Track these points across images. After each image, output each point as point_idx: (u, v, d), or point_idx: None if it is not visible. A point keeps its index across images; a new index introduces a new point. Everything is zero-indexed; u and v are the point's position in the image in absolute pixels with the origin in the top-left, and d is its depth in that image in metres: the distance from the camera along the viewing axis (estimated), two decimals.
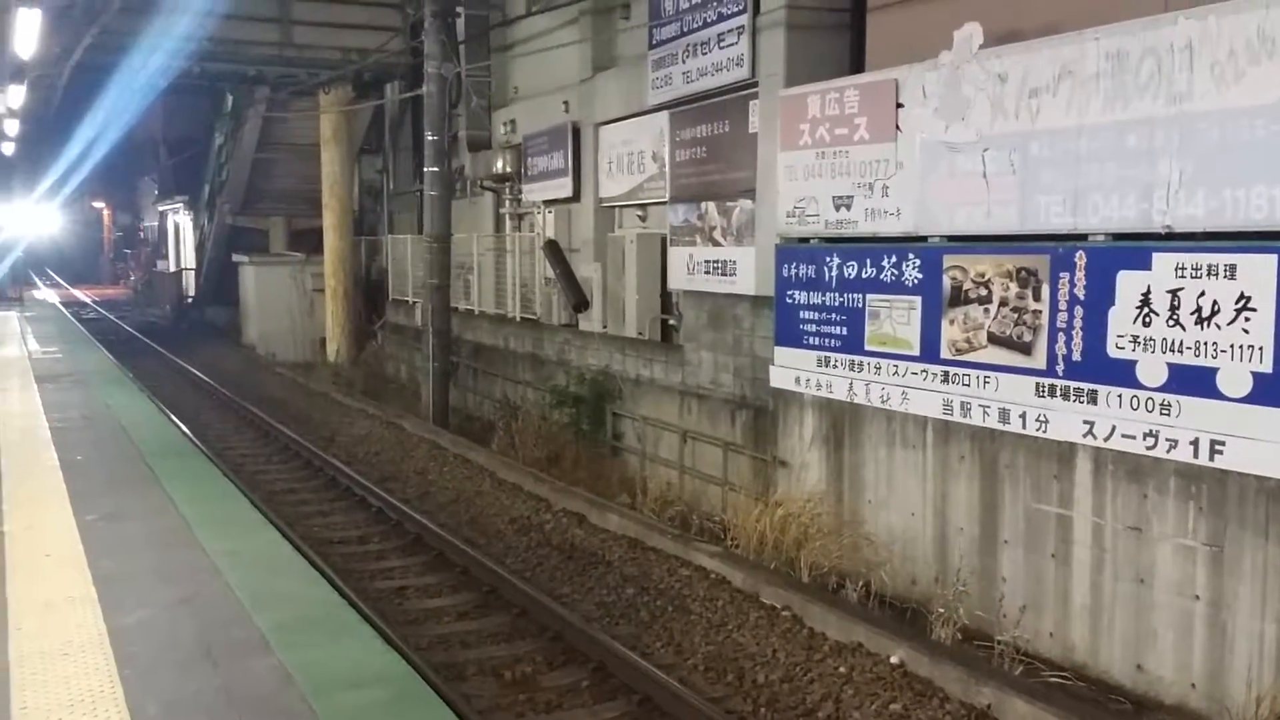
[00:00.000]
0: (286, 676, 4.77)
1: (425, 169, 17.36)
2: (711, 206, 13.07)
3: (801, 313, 10.53)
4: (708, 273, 12.93)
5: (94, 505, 7.72)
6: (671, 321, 14.64)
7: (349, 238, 25.29)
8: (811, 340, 10.42)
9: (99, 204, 63.93)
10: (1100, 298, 7.69)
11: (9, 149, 29.76)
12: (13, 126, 23.65)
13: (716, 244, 12.90)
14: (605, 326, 15.79)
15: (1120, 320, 7.55)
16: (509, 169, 19.24)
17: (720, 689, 7.36)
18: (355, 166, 26.90)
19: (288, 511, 11.84)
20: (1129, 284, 7.48)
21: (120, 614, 5.53)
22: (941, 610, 8.29)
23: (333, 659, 5.03)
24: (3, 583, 6.08)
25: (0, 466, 9.07)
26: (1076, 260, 7.88)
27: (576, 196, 17.05)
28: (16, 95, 18.47)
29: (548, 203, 18.20)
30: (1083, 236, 7.89)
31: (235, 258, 29.63)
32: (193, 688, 4.69)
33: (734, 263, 12.42)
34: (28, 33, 14.77)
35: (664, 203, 14.38)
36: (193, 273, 36.79)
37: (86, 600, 5.75)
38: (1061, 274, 7.98)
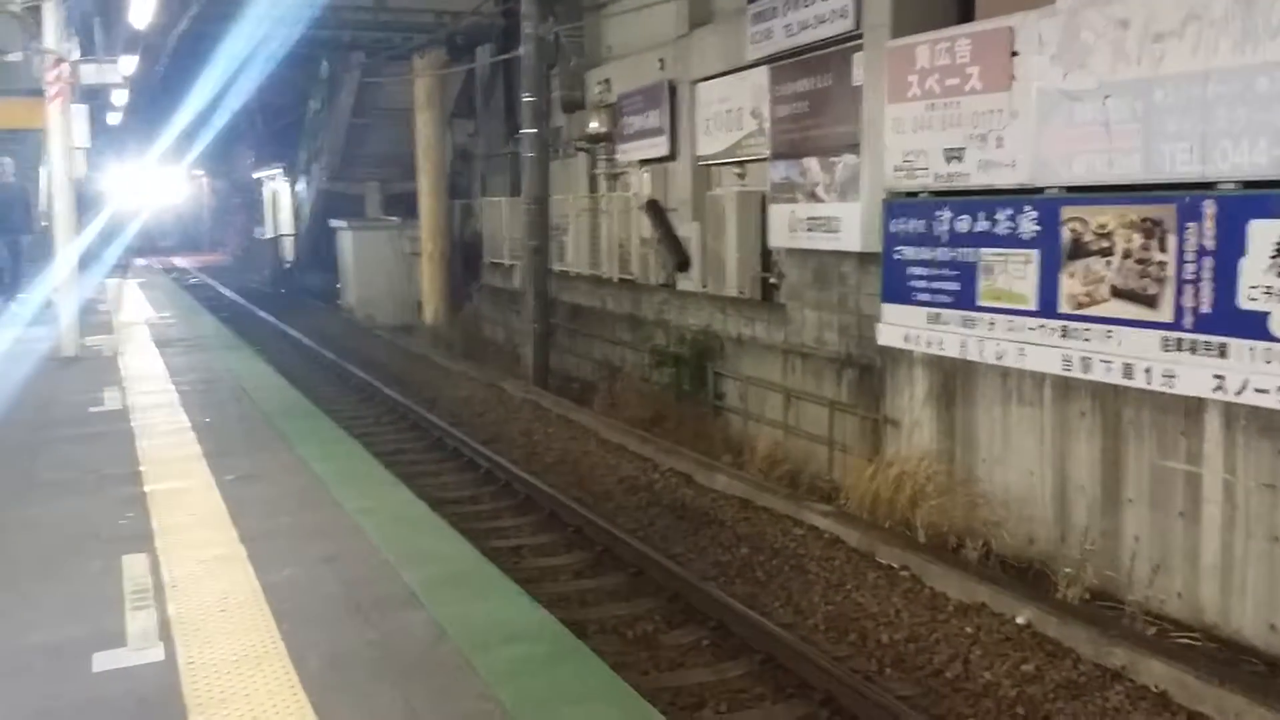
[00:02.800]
0: (440, 631, 4.83)
1: (523, 130, 17.39)
2: (813, 162, 12.88)
3: (910, 268, 10.36)
4: (810, 230, 12.77)
5: (229, 466, 7.88)
6: (772, 280, 14.52)
7: (444, 201, 25.47)
8: (921, 297, 10.25)
9: (198, 172, 65.02)
10: (1230, 248, 7.44)
11: (115, 119, 30.30)
12: (121, 96, 24.12)
13: (819, 200, 12.72)
14: (705, 286, 15.72)
15: (1252, 271, 7.29)
16: (603, 129, 19.16)
17: (844, 648, 7.32)
18: (448, 130, 27.04)
19: (398, 472, 11.94)
20: (1261, 233, 7.23)
21: (270, 571, 5.64)
22: (1068, 569, 8.15)
23: (483, 614, 5.08)
24: (151, 541, 6.23)
25: (133, 429, 9.30)
26: (1205, 209, 7.63)
27: (673, 155, 16.95)
28: (129, 65, 18.80)
29: (643, 162, 18.13)
30: (1211, 185, 7.63)
31: (333, 223, 29.98)
32: (351, 642, 4.77)
33: (838, 219, 12.24)
34: (144, 2, 15.03)
35: (764, 160, 14.22)
36: (290, 239, 37.34)
37: (236, 558, 5.87)
38: (1189, 224, 7.73)
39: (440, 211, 25.27)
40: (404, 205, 27.77)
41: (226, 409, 10.25)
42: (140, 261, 39.19)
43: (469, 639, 4.73)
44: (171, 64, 23.52)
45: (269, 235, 41.70)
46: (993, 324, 9.46)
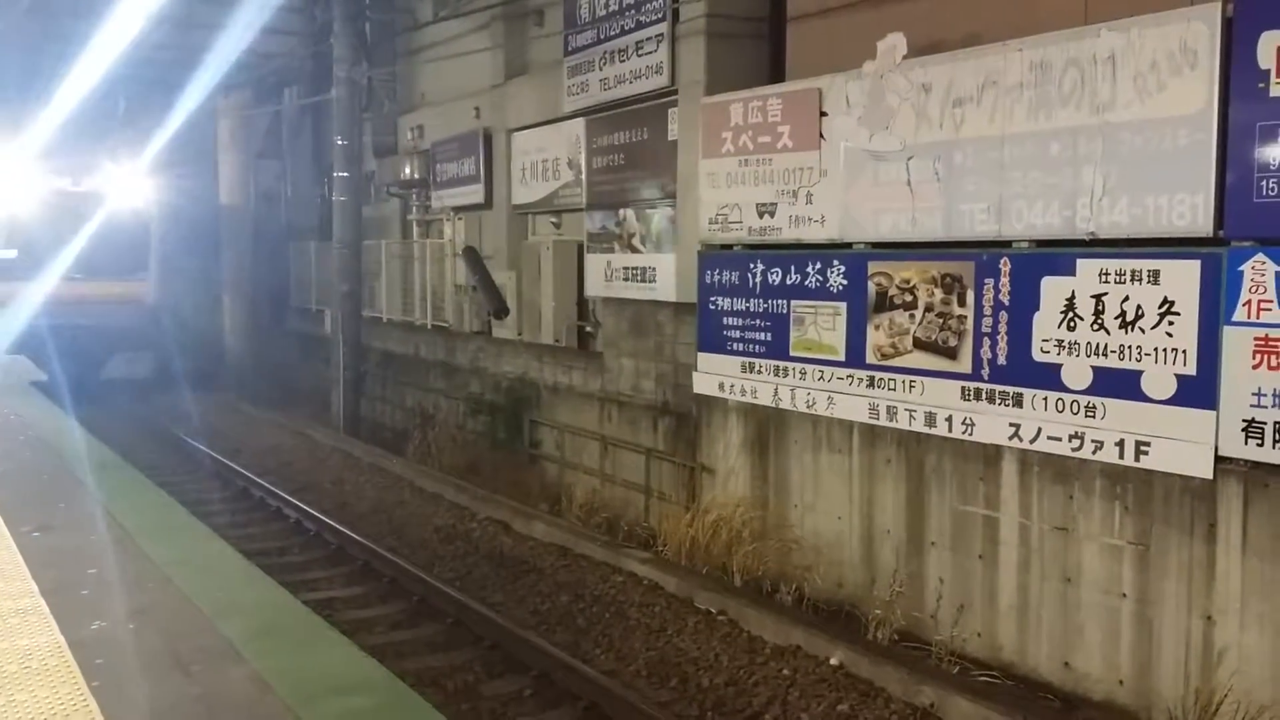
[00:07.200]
0: (264, 685, 4.64)
1: (335, 174, 17.12)
2: (630, 213, 13.08)
3: (725, 319, 10.60)
4: (626, 279, 12.93)
5: (26, 516, 7.38)
6: (588, 328, 14.62)
7: (248, 244, 24.74)
8: (736, 346, 10.49)
9: None
10: (1025, 303, 7.88)
11: None
12: None
13: (635, 251, 12.91)
14: (520, 334, 15.70)
15: (1045, 325, 7.74)
16: (417, 175, 18.99)
17: (666, 694, 7.38)
18: (253, 171, 26.35)
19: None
20: (1053, 289, 7.68)
21: (76, 626, 5.30)
22: (877, 611, 8.41)
23: (309, 666, 4.90)
24: None
25: None
26: (1001, 266, 8.06)
27: (488, 203, 16.93)
28: None
29: (458, 209, 18.04)
30: (1007, 243, 8.07)
31: None
32: (169, 698, 4.53)
33: (654, 269, 12.45)
34: None
35: (580, 209, 14.35)
36: None
37: (37, 612, 5.50)
38: (986, 280, 8.16)
39: (244, 254, 24.55)
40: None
41: (20, 457, 9.65)
42: None
43: (296, 692, 4.56)
44: None
45: None
46: (804, 373, 9.74)
